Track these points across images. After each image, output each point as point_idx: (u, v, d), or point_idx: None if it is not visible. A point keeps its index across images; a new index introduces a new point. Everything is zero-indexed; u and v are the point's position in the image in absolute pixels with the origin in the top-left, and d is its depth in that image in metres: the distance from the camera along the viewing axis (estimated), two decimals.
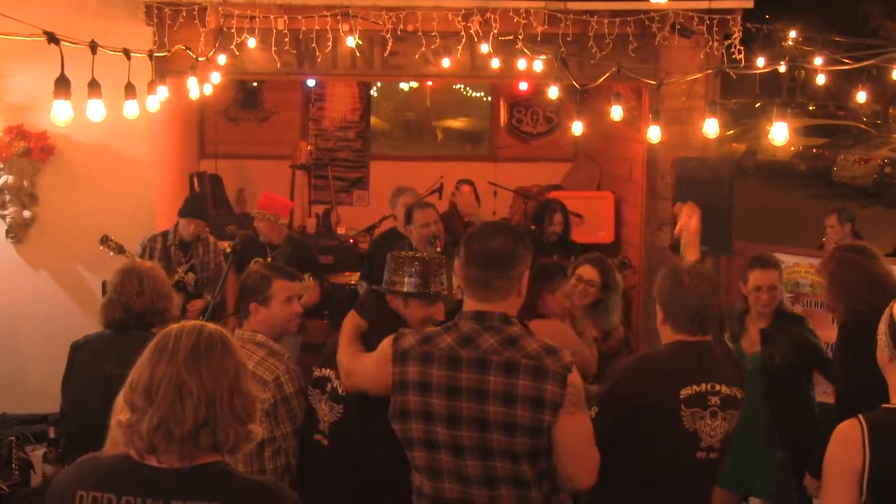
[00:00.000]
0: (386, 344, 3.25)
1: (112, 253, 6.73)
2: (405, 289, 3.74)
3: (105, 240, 6.75)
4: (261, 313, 4.16)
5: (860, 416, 2.80)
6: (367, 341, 3.58)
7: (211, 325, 2.42)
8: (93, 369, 4.16)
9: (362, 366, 3.44)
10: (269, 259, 7.18)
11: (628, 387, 3.53)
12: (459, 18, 7.58)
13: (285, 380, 3.99)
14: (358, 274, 8.94)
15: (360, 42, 7.69)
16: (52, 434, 4.64)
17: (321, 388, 3.90)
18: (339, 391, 3.77)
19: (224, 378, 2.33)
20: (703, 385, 3.50)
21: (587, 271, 5.43)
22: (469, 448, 3.06)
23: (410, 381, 3.13)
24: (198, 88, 7.19)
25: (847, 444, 2.79)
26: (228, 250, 7.21)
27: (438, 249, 6.15)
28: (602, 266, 5.49)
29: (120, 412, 2.41)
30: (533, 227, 7.82)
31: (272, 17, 7.60)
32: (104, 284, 4.93)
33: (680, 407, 3.46)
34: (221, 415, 2.30)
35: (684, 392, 3.47)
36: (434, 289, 3.76)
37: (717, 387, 3.52)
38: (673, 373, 3.53)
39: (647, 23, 7.60)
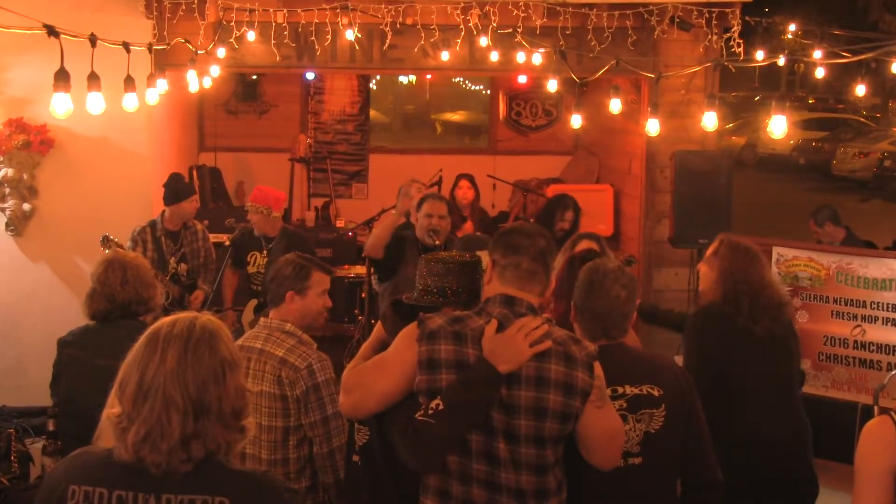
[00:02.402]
0: (408, 329, 3.21)
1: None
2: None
3: (106, 241, 6.61)
4: (296, 302, 4.22)
5: (891, 413, 2.76)
6: None
7: (203, 319, 2.39)
8: (86, 364, 4.12)
9: (364, 370, 3.34)
10: (264, 252, 7.19)
11: None
12: (458, 11, 7.59)
13: (317, 367, 4.04)
14: (358, 267, 8.97)
15: (360, 35, 7.70)
16: (51, 427, 4.62)
17: None
18: None
19: (212, 385, 2.30)
20: None
21: (588, 244, 5.36)
22: (499, 430, 3.06)
23: (443, 359, 3.10)
24: (197, 81, 7.20)
25: (879, 442, 2.73)
26: (227, 243, 7.22)
27: (437, 242, 6.15)
28: (598, 239, 5.44)
29: (111, 406, 2.41)
30: (532, 221, 7.82)
31: (271, 10, 7.61)
32: None
33: None
34: (210, 425, 2.28)
35: None
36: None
37: (620, 389, 3.40)
38: None
39: (646, 16, 7.60)
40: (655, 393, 3.43)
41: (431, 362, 3.12)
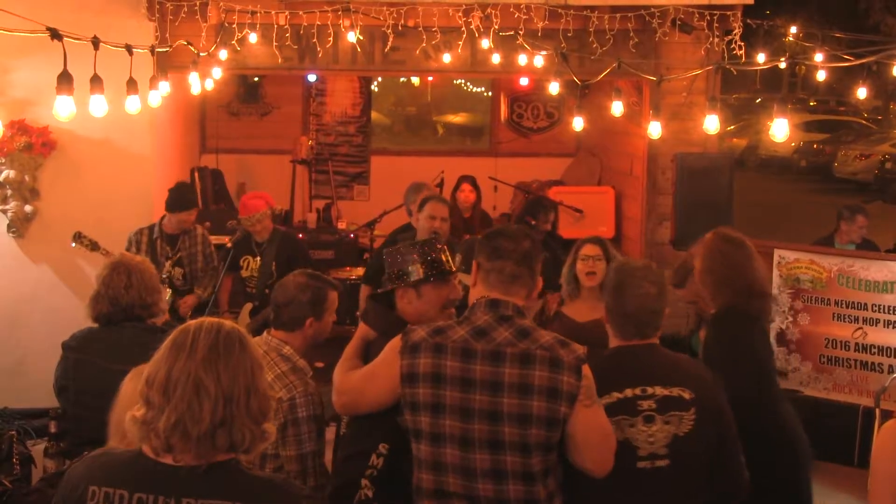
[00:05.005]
0: (394, 341, 3.24)
1: (87, 250, 6.67)
2: (413, 278, 3.61)
3: (78, 237, 6.64)
4: (313, 327, 4.02)
5: None
6: (376, 350, 3.45)
7: (229, 323, 2.41)
8: (97, 368, 4.08)
9: (357, 377, 3.40)
10: (257, 257, 7.12)
11: None
12: (460, 13, 7.59)
13: (301, 402, 3.77)
14: (359, 269, 8.96)
15: (361, 37, 7.70)
16: (52, 428, 4.60)
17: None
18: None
19: (241, 377, 2.32)
20: (629, 391, 3.35)
21: (591, 249, 5.38)
22: (479, 441, 3.07)
23: (421, 372, 3.12)
24: (199, 83, 7.21)
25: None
26: (229, 245, 7.18)
27: (438, 246, 6.12)
28: (602, 242, 5.45)
29: (128, 406, 2.41)
30: (533, 223, 7.82)
31: (273, 12, 7.61)
32: None
33: None
34: (238, 415, 2.30)
35: (605, 401, 3.28)
36: (444, 268, 3.65)
37: (650, 389, 3.37)
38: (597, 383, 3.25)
39: (647, 18, 7.60)
40: (686, 396, 3.39)
41: (412, 376, 3.15)
